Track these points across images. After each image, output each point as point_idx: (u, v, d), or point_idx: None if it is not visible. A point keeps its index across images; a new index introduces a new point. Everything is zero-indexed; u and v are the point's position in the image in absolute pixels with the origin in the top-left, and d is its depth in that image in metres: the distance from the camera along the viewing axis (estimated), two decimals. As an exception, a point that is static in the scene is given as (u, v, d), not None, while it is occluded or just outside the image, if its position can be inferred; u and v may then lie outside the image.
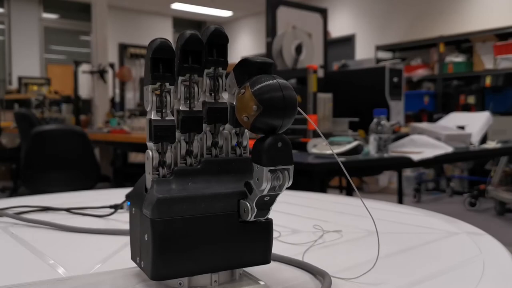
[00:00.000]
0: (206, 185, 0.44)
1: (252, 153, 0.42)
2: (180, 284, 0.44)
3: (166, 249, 0.41)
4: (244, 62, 0.44)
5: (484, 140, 2.36)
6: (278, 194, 0.43)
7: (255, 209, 0.43)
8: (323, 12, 3.34)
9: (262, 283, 0.46)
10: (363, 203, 0.49)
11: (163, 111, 0.44)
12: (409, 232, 0.72)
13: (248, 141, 0.47)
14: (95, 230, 0.71)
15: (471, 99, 5.55)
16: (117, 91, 6.91)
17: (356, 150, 1.74)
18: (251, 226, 0.44)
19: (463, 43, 5.85)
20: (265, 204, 0.43)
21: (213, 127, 0.46)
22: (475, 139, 2.28)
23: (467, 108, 5.50)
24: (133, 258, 0.47)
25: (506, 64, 5.23)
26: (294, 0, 3.35)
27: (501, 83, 5.26)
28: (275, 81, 0.40)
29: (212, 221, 0.43)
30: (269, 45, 2.86)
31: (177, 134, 0.44)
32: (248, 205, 0.43)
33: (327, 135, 2.07)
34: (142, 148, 3.24)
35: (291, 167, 0.42)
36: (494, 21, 5.95)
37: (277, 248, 0.62)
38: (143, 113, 4.48)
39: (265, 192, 0.41)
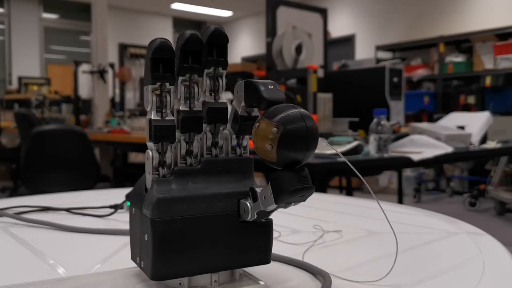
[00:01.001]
0: (206, 185, 0.44)
1: (273, 179, 0.39)
2: (180, 284, 0.44)
3: (166, 249, 0.41)
4: (256, 92, 0.42)
5: (484, 140, 2.36)
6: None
7: (256, 215, 0.43)
8: (323, 12, 3.35)
9: (262, 283, 0.46)
10: (379, 205, 0.49)
11: (163, 111, 0.44)
12: (409, 232, 0.72)
13: (248, 141, 0.47)
14: (95, 230, 0.71)
15: (471, 99, 5.55)
16: (117, 91, 6.91)
17: (356, 150, 1.74)
18: (251, 226, 0.44)
19: (463, 43, 5.85)
20: (266, 214, 0.43)
21: (213, 127, 0.46)
22: (475, 139, 2.28)
23: (467, 108, 5.50)
24: (133, 258, 0.47)
25: (506, 64, 5.23)
26: (294, 0, 3.35)
27: (501, 83, 5.26)
28: (296, 110, 0.39)
29: (212, 221, 0.43)
30: (269, 45, 2.86)
31: (177, 134, 0.44)
32: (248, 205, 0.43)
33: (327, 135, 2.07)
34: (142, 148, 3.24)
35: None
36: (494, 21, 5.95)
37: (277, 248, 0.62)
38: (143, 113, 4.48)
39: (268, 210, 0.41)
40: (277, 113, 0.38)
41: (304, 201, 0.40)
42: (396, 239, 0.59)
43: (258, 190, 0.42)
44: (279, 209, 0.41)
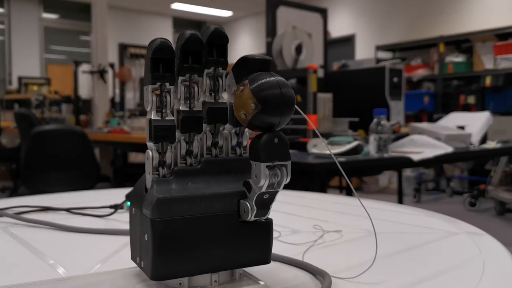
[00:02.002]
0: (206, 185, 0.44)
1: (249, 150, 0.42)
2: (180, 284, 0.44)
3: (166, 249, 0.41)
4: (243, 60, 0.44)
5: (484, 140, 2.36)
6: (277, 192, 0.43)
7: (255, 208, 0.43)
8: (323, 12, 3.35)
9: (262, 283, 0.46)
10: (359, 200, 0.49)
11: (163, 111, 0.44)
12: (409, 232, 0.72)
13: (248, 141, 0.47)
14: (95, 230, 0.71)
15: (471, 99, 5.55)
16: (117, 91, 6.91)
17: (356, 150, 1.74)
18: (251, 226, 0.44)
19: (463, 43, 5.85)
20: (264, 203, 0.43)
21: (213, 127, 0.46)
22: (475, 139, 2.28)
23: (467, 108, 5.50)
24: (133, 258, 0.47)
25: (506, 64, 5.23)
26: (294, 0, 3.35)
27: (501, 83, 5.26)
28: (273, 78, 0.41)
29: (212, 221, 0.43)
30: (269, 45, 2.86)
31: (177, 134, 0.44)
32: (248, 205, 0.43)
33: (327, 135, 2.07)
34: (142, 148, 3.24)
35: (289, 163, 0.42)
36: (494, 21, 5.95)
37: (277, 248, 0.62)
38: (143, 113, 4.48)
39: (263, 189, 0.41)
40: (257, 80, 0.40)
41: (287, 159, 0.41)
42: (376, 240, 0.59)
43: (249, 179, 0.43)
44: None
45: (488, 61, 5.52)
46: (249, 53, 0.45)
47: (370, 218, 0.59)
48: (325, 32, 3.35)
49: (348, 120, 2.28)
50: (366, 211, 0.49)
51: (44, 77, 7.92)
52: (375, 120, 1.82)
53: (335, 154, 1.70)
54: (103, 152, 4.79)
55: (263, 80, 0.40)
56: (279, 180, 0.41)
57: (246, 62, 0.43)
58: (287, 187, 0.45)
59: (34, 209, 0.86)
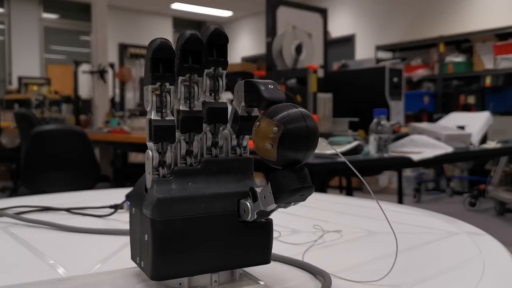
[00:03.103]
0: (206, 185, 0.44)
1: (272, 179, 0.39)
2: (180, 284, 0.44)
3: (166, 249, 0.41)
4: (256, 91, 0.42)
5: (484, 140, 2.36)
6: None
7: (256, 215, 0.43)
8: (323, 12, 3.35)
9: (262, 283, 0.46)
10: (379, 205, 0.49)
11: (163, 111, 0.44)
12: (409, 232, 0.72)
13: (248, 141, 0.47)
14: (95, 230, 0.71)
15: (471, 99, 5.55)
16: (117, 91, 6.91)
17: (356, 150, 1.74)
18: (251, 226, 0.44)
19: (463, 43, 5.85)
20: (266, 213, 0.43)
21: (213, 127, 0.46)
22: (475, 139, 2.28)
23: (467, 108, 5.50)
24: (133, 258, 0.47)
25: (506, 64, 5.23)
26: (294, 0, 3.35)
27: (501, 83, 5.26)
28: (297, 110, 0.39)
29: (212, 221, 0.43)
30: (269, 45, 2.86)
31: (177, 134, 0.44)
32: (248, 205, 0.43)
33: (327, 135, 2.07)
34: (142, 148, 3.24)
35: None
36: (494, 21, 5.95)
37: (277, 248, 0.62)
38: (143, 113, 4.48)
39: (268, 210, 0.42)
40: (278, 112, 0.38)
41: (304, 200, 0.40)
42: (396, 240, 0.59)
43: (258, 190, 0.42)
44: (279, 209, 0.41)
45: (488, 61, 5.52)
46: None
47: (388, 220, 0.59)
48: (325, 32, 3.35)
49: (348, 120, 2.28)
50: (383, 213, 0.49)
51: (44, 77, 7.92)
52: (375, 120, 1.82)
53: (334, 155, 1.70)
54: (103, 152, 4.79)
55: (286, 112, 0.38)
56: (287, 206, 0.41)
57: (259, 97, 0.41)
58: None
59: (34, 209, 0.86)
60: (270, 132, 0.37)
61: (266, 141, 0.38)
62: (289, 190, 0.38)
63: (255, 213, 0.42)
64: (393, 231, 0.58)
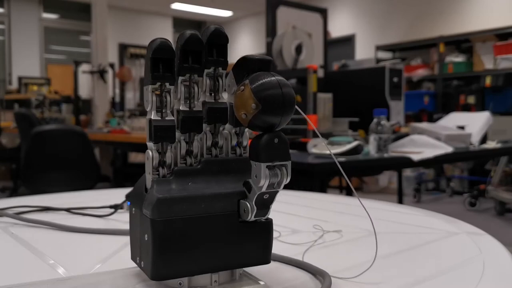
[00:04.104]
0: (206, 185, 0.44)
1: (249, 150, 0.42)
2: (180, 284, 0.44)
3: (166, 249, 0.41)
4: (243, 60, 0.44)
5: (484, 140, 2.36)
6: (277, 192, 0.43)
7: (255, 208, 0.43)
8: (323, 12, 3.34)
9: (262, 283, 0.46)
10: (359, 200, 0.49)
11: (163, 111, 0.44)
12: (409, 232, 0.72)
13: (248, 141, 0.47)
14: (95, 230, 0.71)
15: (471, 99, 5.55)
16: (117, 91, 6.91)
17: (356, 150, 1.74)
18: (251, 226, 0.44)
19: (463, 43, 5.85)
20: (264, 203, 0.43)
21: (213, 127, 0.46)
22: (475, 139, 2.28)
23: (467, 108, 5.50)
24: (133, 258, 0.47)
25: (506, 64, 5.23)
26: (294, 0, 3.35)
27: (501, 83, 5.26)
28: (273, 78, 0.40)
29: (212, 221, 0.43)
30: (269, 45, 2.86)
31: (177, 134, 0.44)
32: (248, 205, 0.43)
33: (327, 135, 2.07)
34: (142, 148, 3.24)
35: (289, 163, 0.42)
36: (494, 21, 5.95)
37: (277, 248, 0.62)
38: (143, 113, 4.48)
39: (263, 189, 0.41)
40: (257, 80, 0.40)
41: (287, 159, 0.41)
42: (376, 240, 0.59)
43: (249, 179, 0.43)
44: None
45: (488, 61, 5.52)
46: (249, 53, 0.45)
47: (370, 217, 0.59)
48: (325, 32, 3.35)
49: (348, 120, 2.28)
50: (365, 209, 0.49)
51: (44, 77, 7.92)
52: (375, 120, 1.82)
53: (335, 154, 1.70)
54: (103, 152, 4.79)
55: (263, 80, 0.40)
56: (279, 180, 0.41)
57: (246, 62, 0.43)
58: (287, 187, 0.45)
59: (34, 209, 0.86)
60: (248, 106, 0.40)
61: (243, 111, 0.41)
62: (262, 142, 0.40)
63: (254, 203, 0.42)
64: (374, 228, 0.58)
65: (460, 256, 0.58)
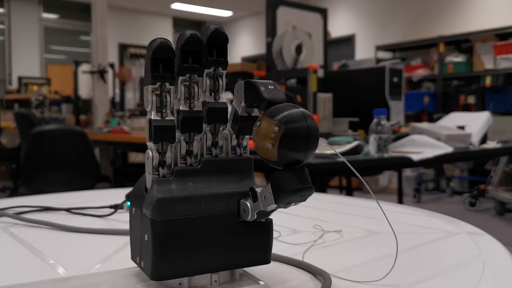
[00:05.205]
0: (206, 185, 0.44)
1: (273, 179, 0.40)
2: (180, 284, 0.44)
3: (166, 249, 0.41)
4: (256, 92, 0.42)
5: (484, 140, 2.36)
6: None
7: (256, 215, 0.43)
8: (323, 12, 3.35)
9: (262, 283, 0.46)
10: (379, 205, 0.49)
11: (163, 111, 0.44)
12: (409, 232, 0.72)
13: (248, 141, 0.47)
14: (95, 230, 0.71)
15: (471, 99, 5.56)
16: (117, 91, 6.91)
17: (356, 150, 1.74)
18: (251, 226, 0.44)
19: (463, 43, 5.85)
20: (266, 213, 0.43)
21: (213, 127, 0.46)
22: (475, 139, 2.28)
23: (467, 108, 5.50)
24: (133, 258, 0.47)
25: (506, 64, 5.23)
26: (294, 0, 3.35)
27: (501, 83, 5.27)
28: (298, 110, 0.39)
29: (212, 221, 0.43)
30: (269, 45, 2.86)
31: (177, 134, 0.44)
32: (248, 205, 0.43)
33: (327, 135, 2.07)
34: (142, 148, 3.24)
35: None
36: (494, 21, 5.95)
37: (277, 248, 0.62)
38: (143, 113, 4.48)
39: (269, 210, 0.42)
40: (279, 112, 0.39)
41: (304, 201, 0.40)
42: (396, 240, 0.59)
43: (258, 190, 0.42)
44: (279, 209, 0.41)
45: (488, 61, 5.52)
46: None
47: (388, 220, 0.59)
48: (325, 32, 3.35)
49: (348, 120, 2.28)
50: (383, 213, 0.49)
51: (44, 77, 7.92)
52: (375, 120, 1.82)
53: (334, 154, 1.70)
54: (103, 152, 4.79)
55: (287, 112, 0.38)
56: (287, 206, 0.41)
57: (260, 98, 0.41)
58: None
59: (34, 209, 0.86)
60: (271, 132, 0.38)
61: (267, 141, 0.38)
62: (289, 191, 0.38)
63: (255, 213, 0.43)
64: (393, 231, 0.58)
65: (460, 256, 0.58)
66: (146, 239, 0.42)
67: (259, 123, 0.39)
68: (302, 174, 0.39)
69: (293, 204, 0.40)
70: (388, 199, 4.30)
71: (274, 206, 0.40)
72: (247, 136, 0.47)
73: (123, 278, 0.48)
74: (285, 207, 0.41)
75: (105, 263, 0.56)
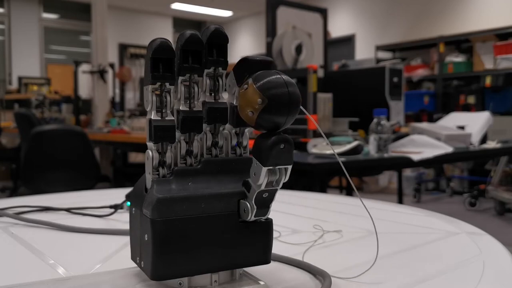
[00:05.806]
0: (206, 185, 0.44)
1: (253, 148, 0.41)
2: (180, 284, 0.44)
3: (166, 249, 0.41)
4: (244, 61, 0.43)
5: (484, 140, 2.36)
6: (276, 190, 0.43)
7: (255, 207, 0.43)
8: (323, 12, 3.35)
9: (262, 283, 0.46)
10: (361, 200, 0.49)
11: (163, 111, 0.44)
12: (409, 232, 0.72)
13: (248, 141, 0.47)
14: (95, 230, 0.71)
15: (471, 99, 5.56)
16: (117, 91, 6.91)
17: (356, 150, 1.74)
18: (251, 226, 0.44)
19: (463, 43, 5.85)
20: (264, 202, 0.43)
21: (213, 127, 0.46)
22: (475, 139, 2.28)
23: (467, 108, 5.50)
24: (133, 258, 0.47)
25: (506, 64, 5.23)
26: (294, 0, 3.35)
27: (501, 83, 5.27)
28: (279, 76, 0.40)
29: (212, 221, 0.43)
30: (269, 45, 2.86)
31: (177, 134, 0.44)
32: (248, 204, 0.43)
33: (327, 135, 2.07)
34: (142, 148, 3.24)
35: (290, 166, 0.42)
36: (494, 21, 5.95)
37: (277, 248, 0.62)
38: (143, 113, 4.48)
39: (262, 187, 0.41)
40: (265, 81, 0.40)
41: (289, 157, 0.41)
42: (374, 226, 0.59)
43: (248, 178, 0.43)
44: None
45: (488, 61, 5.52)
46: (249, 53, 0.45)
47: (371, 217, 0.59)
48: (325, 32, 3.35)
49: (348, 120, 2.28)
50: (366, 209, 0.49)
51: (44, 77, 7.92)
52: (375, 120, 1.82)
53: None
54: (103, 152, 4.79)
55: (269, 78, 0.40)
56: (278, 178, 0.41)
57: (247, 63, 0.43)
58: (287, 187, 0.45)
59: (34, 209, 0.86)
60: (254, 102, 0.40)
61: (249, 108, 0.40)
62: (268, 146, 0.40)
63: (254, 202, 0.42)
64: (373, 223, 0.58)
65: (460, 256, 0.58)
66: (146, 239, 0.42)
67: (246, 86, 0.41)
68: (283, 138, 0.41)
69: (279, 166, 0.41)
70: (388, 199, 4.31)
71: (263, 174, 0.40)
72: (247, 136, 0.47)
73: (123, 278, 0.48)
74: (276, 176, 0.41)
75: (105, 263, 0.56)
